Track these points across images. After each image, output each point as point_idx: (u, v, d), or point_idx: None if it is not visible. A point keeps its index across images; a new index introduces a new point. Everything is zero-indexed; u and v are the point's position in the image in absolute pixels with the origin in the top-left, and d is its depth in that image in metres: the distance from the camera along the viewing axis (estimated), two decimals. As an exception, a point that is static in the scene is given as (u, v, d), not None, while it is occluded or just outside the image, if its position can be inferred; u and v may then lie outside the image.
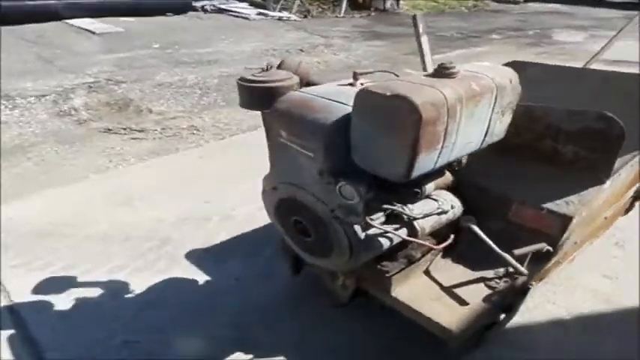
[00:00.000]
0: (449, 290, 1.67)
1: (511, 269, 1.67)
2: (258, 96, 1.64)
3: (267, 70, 1.70)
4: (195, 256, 2.47)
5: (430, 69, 1.85)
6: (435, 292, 1.66)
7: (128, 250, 2.51)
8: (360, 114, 1.32)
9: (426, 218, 1.54)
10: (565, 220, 1.64)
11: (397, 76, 1.86)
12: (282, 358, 1.88)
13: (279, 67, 1.83)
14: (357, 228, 1.48)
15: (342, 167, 1.42)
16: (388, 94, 1.21)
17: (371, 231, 1.49)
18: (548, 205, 1.67)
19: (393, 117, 1.22)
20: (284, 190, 1.63)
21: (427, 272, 1.75)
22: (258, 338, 1.97)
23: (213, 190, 3.12)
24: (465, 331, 1.51)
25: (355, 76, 1.66)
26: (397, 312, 1.69)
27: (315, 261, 1.71)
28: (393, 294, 1.67)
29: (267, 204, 1.78)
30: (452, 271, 1.74)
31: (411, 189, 1.51)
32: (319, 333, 1.99)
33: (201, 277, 2.32)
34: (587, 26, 10.99)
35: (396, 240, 1.54)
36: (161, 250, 2.51)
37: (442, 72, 1.35)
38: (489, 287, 1.66)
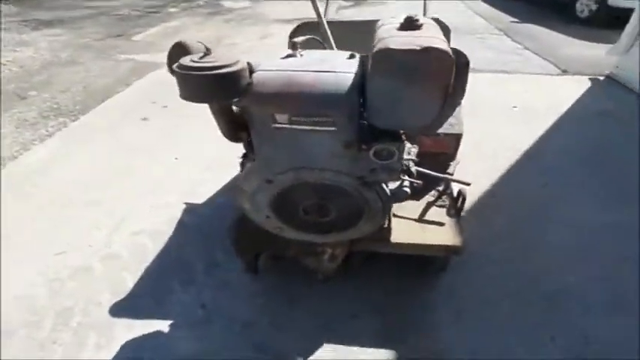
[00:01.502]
0: (422, 221, 1.95)
1: (442, 187, 2.09)
2: (220, 84, 1.42)
3: (207, 54, 1.46)
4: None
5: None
6: (415, 227, 1.91)
7: None
8: (384, 73, 1.37)
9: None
10: (458, 138, 2.13)
11: (322, 43, 1.92)
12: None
13: (179, 51, 1.60)
14: (385, 186, 1.56)
15: (362, 133, 1.46)
16: (418, 48, 1.32)
17: (394, 185, 1.60)
18: (442, 131, 2.09)
19: (427, 68, 1.34)
20: (286, 179, 1.52)
21: (394, 215, 1.97)
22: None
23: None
24: (464, 242, 1.84)
25: (295, 46, 1.63)
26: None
27: (334, 237, 1.69)
28: (393, 240, 1.84)
29: (253, 203, 1.61)
30: (408, 207, 2.00)
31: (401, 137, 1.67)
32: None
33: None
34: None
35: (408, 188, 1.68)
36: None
37: (413, 24, 1.51)
38: (441, 206, 2.03)
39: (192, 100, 1.55)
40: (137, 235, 2.45)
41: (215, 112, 1.60)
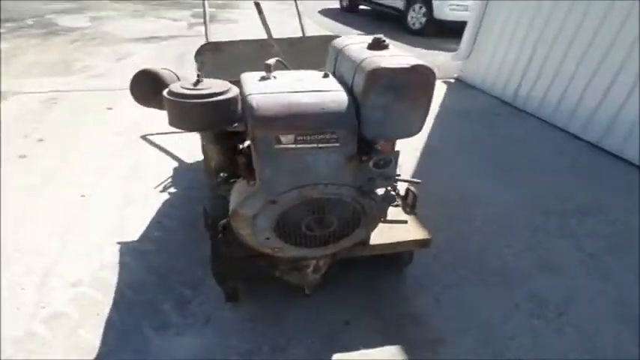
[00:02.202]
0: (386, 222, 2.11)
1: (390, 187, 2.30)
2: (220, 111, 1.42)
3: (198, 82, 1.44)
4: None
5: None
6: (385, 228, 2.03)
7: None
8: (377, 90, 1.49)
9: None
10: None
11: (284, 64, 1.96)
12: None
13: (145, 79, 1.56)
14: (377, 192, 1.70)
15: (359, 146, 1.57)
16: (408, 66, 1.49)
17: (381, 191, 1.74)
18: None
19: (416, 83, 1.51)
20: (290, 198, 1.56)
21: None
22: None
23: None
24: (430, 234, 2.06)
25: (269, 69, 1.69)
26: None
27: (331, 249, 1.75)
28: (371, 243, 1.97)
29: (253, 226, 1.60)
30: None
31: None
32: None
33: None
34: (79, 8, 11.04)
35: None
36: None
37: (381, 44, 1.68)
38: (396, 205, 2.23)
39: (188, 129, 1.51)
40: (76, 287, 2.17)
41: (210, 140, 1.56)
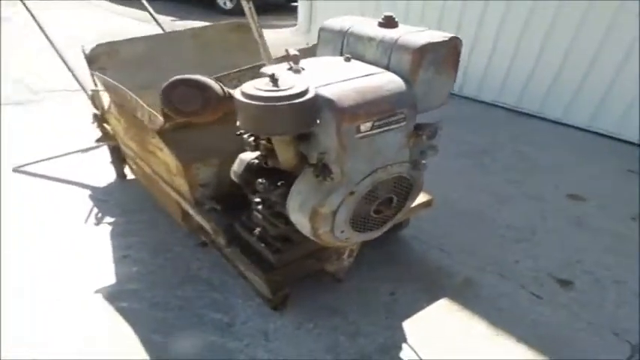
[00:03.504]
0: None
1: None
2: (309, 112, 1.36)
3: (274, 79, 1.34)
4: None
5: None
6: None
7: None
8: (425, 65, 1.57)
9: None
10: None
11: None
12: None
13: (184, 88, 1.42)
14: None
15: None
16: (447, 38, 1.59)
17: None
18: None
19: (453, 54, 1.63)
20: (365, 186, 1.57)
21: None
22: None
23: None
24: (431, 194, 2.24)
25: (297, 59, 1.64)
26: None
27: (387, 226, 1.79)
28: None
29: (336, 222, 1.58)
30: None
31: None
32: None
33: None
34: None
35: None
36: None
37: (393, 22, 1.74)
38: None
39: (271, 133, 1.41)
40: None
41: (285, 144, 1.46)
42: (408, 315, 1.99)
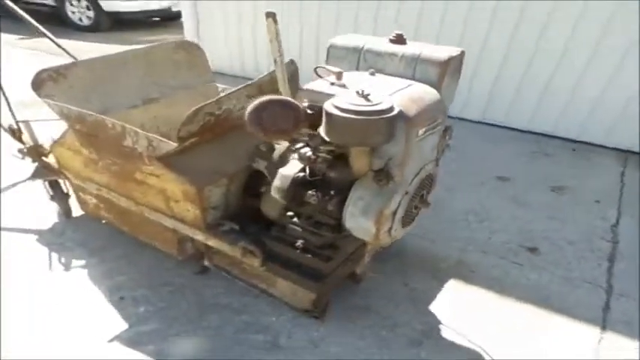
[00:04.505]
0: None
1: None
2: (394, 124, 1.50)
3: (365, 95, 1.46)
4: None
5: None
6: None
7: None
8: (448, 74, 1.81)
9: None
10: None
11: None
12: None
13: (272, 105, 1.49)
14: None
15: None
16: (460, 51, 1.85)
17: None
18: None
19: (461, 63, 1.90)
20: (415, 184, 1.75)
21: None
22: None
23: None
24: None
25: (340, 76, 1.77)
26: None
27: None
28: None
29: (395, 220, 1.73)
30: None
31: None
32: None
33: None
34: None
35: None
36: None
37: (402, 40, 1.95)
38: None
39: (367, 144, 1.50)
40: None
41: (365, 154, 1.55)
42: (430, 300, 2.20)
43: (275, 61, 2.31)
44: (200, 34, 5.77)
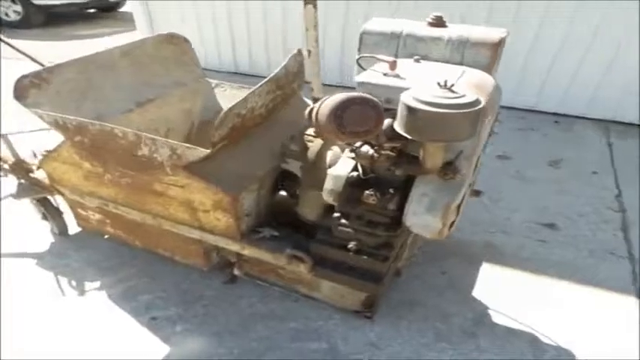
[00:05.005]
0: None
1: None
2: (480, 117, 1.43)
3: (449, 87, 1.37)
4: None
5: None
6: None
7: None
8: (499, 56, 1.76)
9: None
10: None
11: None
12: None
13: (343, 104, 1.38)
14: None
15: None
16: (505, 33, 1.79)
17: None
18: None
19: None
20: (471, 176, 1.69)
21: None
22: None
23: None
24: None
25: (394, 65, 1.67)
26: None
27: None
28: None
29: (458, 214, 1.66)
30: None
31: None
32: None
33: None
34: None
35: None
36: None
37: (442, 22, 1.87)
38: None
39: (457, 139, 1.40)
40: None
41: (441, 150, 1.46)
42: (471, 286, 2.19)
43: (309, 52, 2.18)
44: (154, 23, 5.38)
